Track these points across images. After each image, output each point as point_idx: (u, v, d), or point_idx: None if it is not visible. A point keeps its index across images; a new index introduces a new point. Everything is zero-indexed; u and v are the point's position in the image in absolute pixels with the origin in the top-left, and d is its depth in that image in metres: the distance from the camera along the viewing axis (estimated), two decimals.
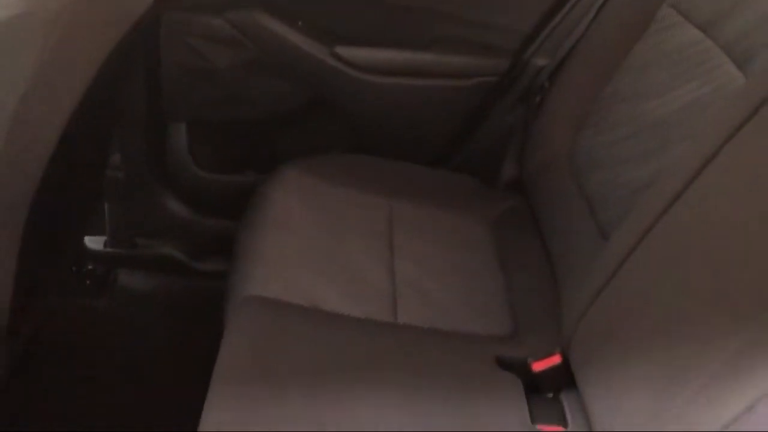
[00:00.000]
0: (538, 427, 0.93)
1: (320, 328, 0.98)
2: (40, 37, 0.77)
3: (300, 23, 1.31)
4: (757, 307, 0.68)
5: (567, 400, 0.97)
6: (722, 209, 0.79)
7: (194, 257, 1.58)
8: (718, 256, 0.76)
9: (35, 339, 1.19)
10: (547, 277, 1.17)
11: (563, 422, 0.94)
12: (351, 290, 1.06)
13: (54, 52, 0.80)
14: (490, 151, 1.41)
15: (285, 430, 0.81)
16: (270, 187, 1.23)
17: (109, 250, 1.55)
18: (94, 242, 1.55)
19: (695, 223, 0.83)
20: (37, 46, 0.77)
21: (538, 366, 1.00)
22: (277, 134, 1.46)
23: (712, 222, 0.80)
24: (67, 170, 1.02)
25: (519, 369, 1.00)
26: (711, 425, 0.66)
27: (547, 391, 0.99)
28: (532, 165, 1.32)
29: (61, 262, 1.43)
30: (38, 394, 1.27)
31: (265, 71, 1.34)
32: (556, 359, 1.00)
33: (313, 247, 1.12)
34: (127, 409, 1.29)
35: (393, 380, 0.92)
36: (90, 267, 1.54)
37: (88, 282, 1.51)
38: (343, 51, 1.33)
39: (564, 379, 0.99)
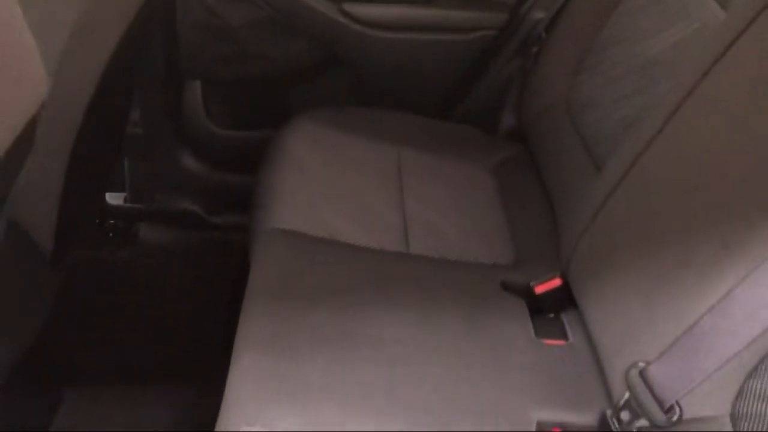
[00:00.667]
0: (542, 341, 1.02)
1: (340, 256, 1.06)
2: None
3: None
4: (735, 214, 0.77)
5: (567, 318, 1.06)
6: (699, 139, 0.88)
7: (211, 211, 1.66)
8: (697, 178, 0.85)
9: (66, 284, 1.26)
10: (546, 212, 1.26)
11: (564, 336, 1.04)
12: (366, 224, 1.15)
13: (93, 7, 0.87)
14: (490, 102, 1.49)
15: (314, 337, 0.90)
16: (285, 136, 1.31)
17: (129, 205, 1.63)
18: (115, 198, 1.63)
19: (676, 152, 0.92)
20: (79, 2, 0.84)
21: (540, 288, 1.09)
22: (290, 90, 1.54)
23: (690, 149, 0.89)
24: (99, 123, 1.09)
25: (522, 292, 1.09)
26: (697, 312, 0.75)
27: (548, 311, 1.09)
28: (531, 112, 1.41)
29: (87, 215, 1.52)
30: (68, 339, 1.35)
31: (277, 29, 1.42)
32: (556, 282, 1.09)
33: (329, 186, 1.20)
34: (148, 350, 1.37)
35: (408, 301, 1.01)
36: (112, 221, 1.62)
37: (110, 235, 1.59)
38: (351, 8, 1.40)
39: (564, 299, 1.08)
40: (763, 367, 0.69)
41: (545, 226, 1.22)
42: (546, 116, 1.35)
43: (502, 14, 1.41)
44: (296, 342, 0.91)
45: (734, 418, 0.71)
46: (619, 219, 0.96)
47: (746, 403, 0.70)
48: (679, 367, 0.76)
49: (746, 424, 0.70)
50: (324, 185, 1.21)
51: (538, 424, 0.89)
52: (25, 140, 0.70)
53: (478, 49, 1.45)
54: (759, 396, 0.69)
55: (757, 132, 0.78)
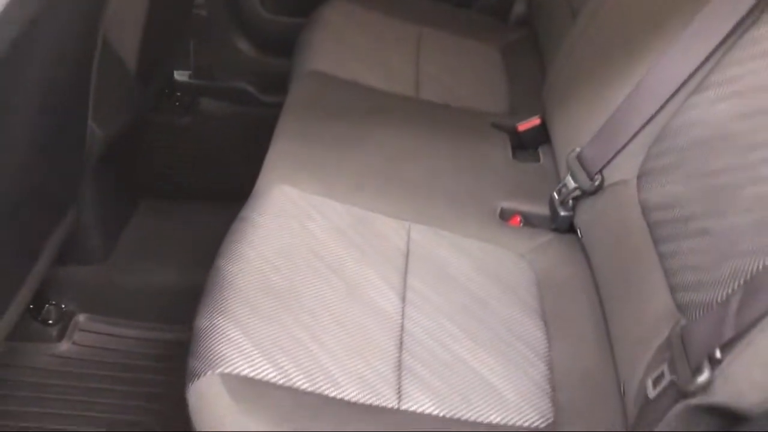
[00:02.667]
0: (517, 162, 1.26)
1: (359, 91, 1.32)
2: None
3: None
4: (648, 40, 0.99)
5: (542, 150, 1.30)
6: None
7: (262, 91, 1.93)
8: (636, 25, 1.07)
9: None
10: (541, 80, 1.48)
11: (537, 160, 1.28)
12: (384, 74, 1.40)
13: None
14: None
15: (333, 138, 1.16)
16: (325, 9, 1.56)
17: (193, 81, 1.91)
18: (181, 75, 1.91)
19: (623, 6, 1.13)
20: None
21: (522, 127, 1.33)
22: None
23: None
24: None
25: (508, 129, 1.33)
26: (618, 103, 0.98)
27: (529, 147, 1.32)
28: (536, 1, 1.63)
29: (158, 85, 1.81)
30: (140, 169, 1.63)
31: None
32: (536, 121, 1.32)
33: (357, 46, 1.46)
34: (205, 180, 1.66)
35: (409, 125, 1.26)
36: (178, 94, 1.90)
37: (176, 104, 1.88)
38: None
39: (541, 136, 1.31)
40: (662, 136, 0.92)
41: (539, 85, 1.44)
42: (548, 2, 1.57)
43: None
44: (320, 139, 1.17)
45: (639, 178, 0.94)
46: (582, 56, 1.18)
47: (648, 163, 0.93)
48: (602, 146, 1.00)
49: (646, 178, 0.93)
50: (353, 45, 1.46)
51: (502, 210, 1.14)
52: None
53: None
54: (658, 156, 0.92)
55: None
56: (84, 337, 1.29)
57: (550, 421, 0.85)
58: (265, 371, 0.80)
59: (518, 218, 1.15)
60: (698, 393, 0.63)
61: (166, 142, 1.78)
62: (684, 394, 0.64)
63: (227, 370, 0.79)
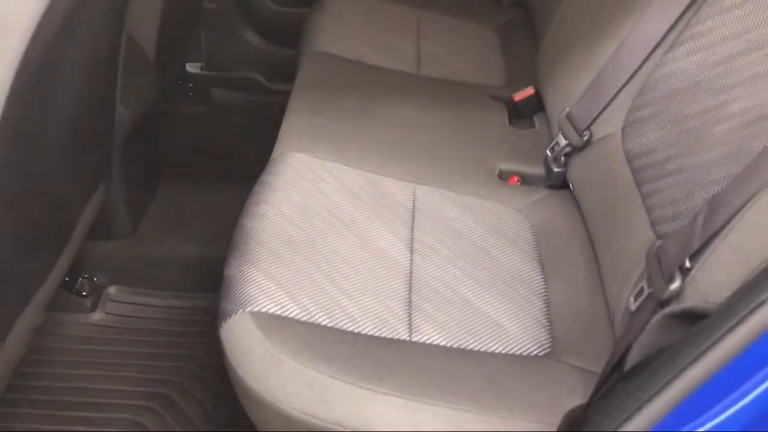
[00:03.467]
0: (514, 128, 1.35)
1: (363, 70, 1.41)
2: None
3: None
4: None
5: (537, 118, 1.38)
6: None
7: (270, 79, 2.02)
8: None
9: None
10: (536, 51, 1.56)
11: (533, 127, 1.36)
12: (387, 54, 1.49)
13: None
14: None
15: (341, 109, 1.25)
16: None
17: (204, 72, 2.01)
18: (193, 66, 2.01)
19: None
20: None
21: (518, 96, 1.41)
22: None
23: None
24: None
25: (505, 100, 1.42)
26: (603, 62, 1.07)
27: (525, 116, 1.41)
28: None
29: (173, 75, 1.91)
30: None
31: None
32: (530, 91, 1.41)
33: (360, 29, 1.55)
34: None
35: (412, 98, 1.35)
36: (191, 85, 2.00)
37: (190, 94, 1.98)
38: None
39: (536, 105, 1.40)
40: (643, 90, 1.01)
41: (533, 57, 1.52)
42: None
43: None
44: (329, 112, 1.26)
45: (623, 130, 1.03)
46: (571, 24, 1.27)
47: (631, 116, 1.02)
48: (589, 104, 1.08)
49: (629, 130, 1.01)
50: (356, 28, 1.55)
51: (501, 171, 1.23)
52: None
53: None
54: (639, 108, 1.00)
55: None
56: (115, 306, 1.39)
57: (548, 350, 0.93)
58: (289, 309, 0.89)
59: (516, 178, 1.23)
60: (672, 301, 0.71)
61: (183, 130, 1.88)
62: (661, 304, 0.72)
63: (255, 309, 0.88)
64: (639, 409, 0.62)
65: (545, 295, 1.01)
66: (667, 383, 0.61)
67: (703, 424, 0.60)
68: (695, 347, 0.61)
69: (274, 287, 0.90)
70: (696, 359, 0.60)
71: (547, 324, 0.97)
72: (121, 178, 1.31)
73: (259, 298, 0.89)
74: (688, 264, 0.69)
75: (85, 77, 1.05)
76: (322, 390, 0.81)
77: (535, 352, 0.93)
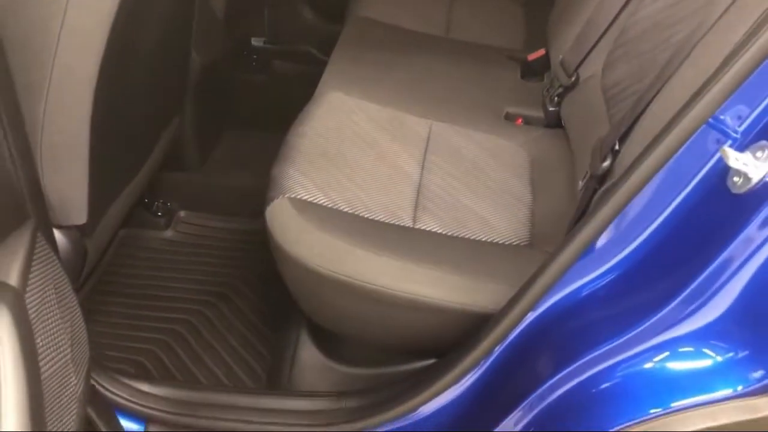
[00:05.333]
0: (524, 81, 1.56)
1: (399, 35, 1.65)
2: None
3: None
4: None
5: (547, 76, 1.59)
6: None
7: (323, 52, 2.28)
8: None
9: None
10: None
11: (542, 81, 1.57)
12: (419, 19, 1.73)
13: None
14: None
15: (376, 71, 1.49)
16: None
17: (267, 45, 2.28)
18: (257, 41, 2.29)
19: None
20: None
21: (531, 57, 1.62)
22: None
23: None
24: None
25: (520, 60, 1.62)
26: (590, 11, 1.27)
27: (537, 74, 1.61)
28: None
29: (237, 41, 2.20)
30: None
31: None
32: (541, 52, 1.61)
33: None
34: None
35: (440, 59, 1.58)
36: (255, 57, 2.28)
37: (254, 64, 2.26)
38: None
39: (546, 65, 1.60)
40: (620, 35, 1.20)
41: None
42: None
43: None
44: (364, 63, 1.51)
45: (603, 70, 1.23)
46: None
47: (609, 57, 1.21)
48: (578, 50, 1.29)
49: (606, 68, 1.21)
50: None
51: (507, 113, 1.44)
52: None
53: None
54: (615, 49, 1.20)
55: None
56: (184, 227, 1.66)
57: (527, 243, 1.14)
58: (318, 197, 1.13)
59: (520, 120, 1.44)
60: (606, 179, 0.92)
61: (246, 93, 2.16)
62: (598, 181, 0.93)
63: (291, 195, 1.12)
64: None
65: (531, 205, 1.22)
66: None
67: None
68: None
69: (308, 182, 1.15)
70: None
71: (530, 225, 1.18)
72: (191, 116, 1.58)
73: (295, 188, 1.13)
74: (617, 146, 0.90)
75: (165, 28, 1.32)
76: (339, 251, 1.04)
77: (516, 243, 1.14)
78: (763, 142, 0.72)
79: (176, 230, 1.66)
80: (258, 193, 1.75)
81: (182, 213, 1.68)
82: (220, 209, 1.68)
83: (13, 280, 0.64)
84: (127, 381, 1.11)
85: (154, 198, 1.66)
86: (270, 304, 1.49)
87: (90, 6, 0.90)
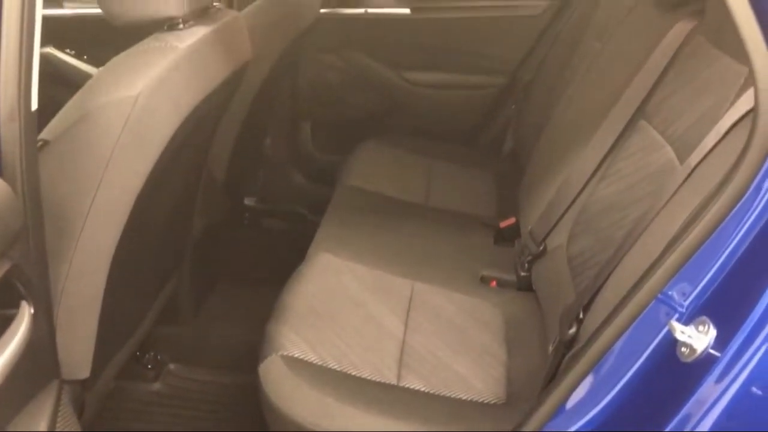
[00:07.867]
0: (497, 247, 1.70)
1: (383, 201, 1.81)
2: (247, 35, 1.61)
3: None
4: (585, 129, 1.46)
5: (517, 241, 1.73)
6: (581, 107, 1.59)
7: (311, 212, 2.44)
8: (568, 134, 1.55)
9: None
10: None
11: (512, 247, 1.71)
12: (401, 189, 1.89)
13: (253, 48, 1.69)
14: (496, 134, 2.23)
15: (363, 235, 1.62)
16: (360, 148, 2.09)
17: (258, 205, 2.44)
18: (250, 200, 2.45)
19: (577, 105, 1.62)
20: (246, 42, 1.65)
21: (503, 224, 1.77)
22: (364, 125, 2.34)
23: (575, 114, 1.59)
24: (248, 138, 1.90)
25: (493, 226, 1.78)
26: (556, 187, 1.43)
27: (508, 239, 1.76)
28: (519, 138, 2.14)
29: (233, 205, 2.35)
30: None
31: (360, 86, 2.24)
32: (512, 221, 1.77)
33: (382, 170, 1.97)
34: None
35: (421, 225, 1.72)
36: (246, 215, 2.43)
37: (245, 222, 2.40)
38: (406, 74, 2.22)
39: (516, 232, 1.75)
40: (581, 212, 1.35)
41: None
42: (526, 140, 2.07)
43: (503, 77, 2.19)
44: (352, 227, 1.65)
45: (568, 241, 1.37)
46: (537, 166, 1.65)
47: (573, 230, 1.36)
48: (545, 222, 1.44)
49: (570, 241, 1.35)
50: (379, 170, 1.97)
51: (483, 276, 1.56)
52: None
53: (488, 101, 2.22)
54: (577, 225, 1.35)
55: None
56: (173, 379, 1.71)
57: (502, 402, 1.22)
58: (309, 355, 1.21)
59: (494, 282, 1.57)
60: (572, 345, 1.02)
61: (239, 248, 2.28)
62: (566, 346, 1.03)
63: (284, 353, 1.20)
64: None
65: (507, 364, 1.31)
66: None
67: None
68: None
69: (299, 339, 1.23)
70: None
71: (506, 383, 1.26)
72: (188, 272, 1.68)
73: (287, 345, 1.22)
74: (581, 315, 1.01)
75: (176, 198, 1.45)
76: (328, 408, 1.11)
77: (493, 402, 1.21)
78: (704, 318, 0.84)
79: (165, 383, 1.70)
80: (247, 347, 1.83)
81: (172, 366, 1.73)
82: (209, 361, 1.74)
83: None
84: None
85: (145, 350, 1.72)
86: None
87: (120, 186, 1.03)
